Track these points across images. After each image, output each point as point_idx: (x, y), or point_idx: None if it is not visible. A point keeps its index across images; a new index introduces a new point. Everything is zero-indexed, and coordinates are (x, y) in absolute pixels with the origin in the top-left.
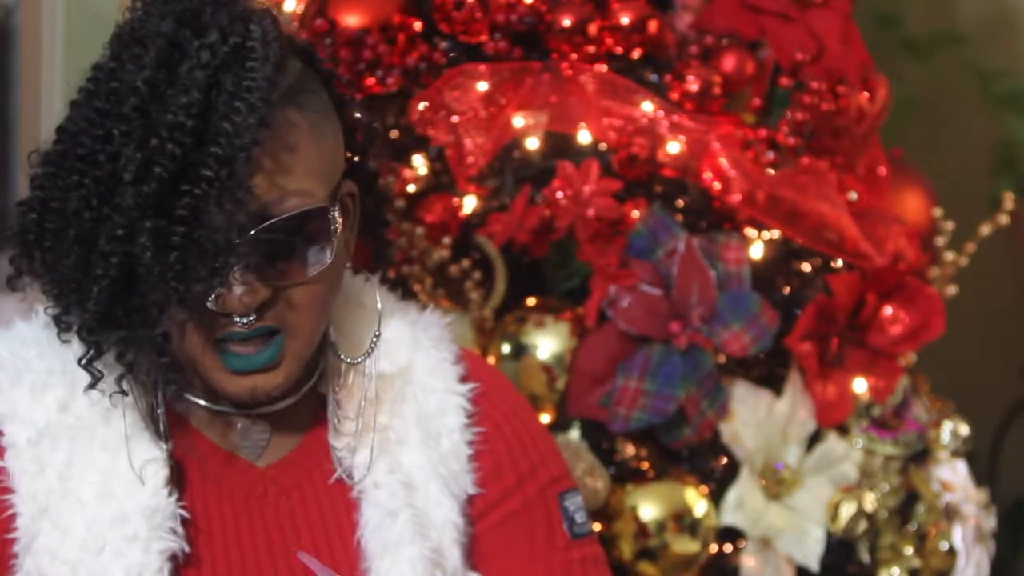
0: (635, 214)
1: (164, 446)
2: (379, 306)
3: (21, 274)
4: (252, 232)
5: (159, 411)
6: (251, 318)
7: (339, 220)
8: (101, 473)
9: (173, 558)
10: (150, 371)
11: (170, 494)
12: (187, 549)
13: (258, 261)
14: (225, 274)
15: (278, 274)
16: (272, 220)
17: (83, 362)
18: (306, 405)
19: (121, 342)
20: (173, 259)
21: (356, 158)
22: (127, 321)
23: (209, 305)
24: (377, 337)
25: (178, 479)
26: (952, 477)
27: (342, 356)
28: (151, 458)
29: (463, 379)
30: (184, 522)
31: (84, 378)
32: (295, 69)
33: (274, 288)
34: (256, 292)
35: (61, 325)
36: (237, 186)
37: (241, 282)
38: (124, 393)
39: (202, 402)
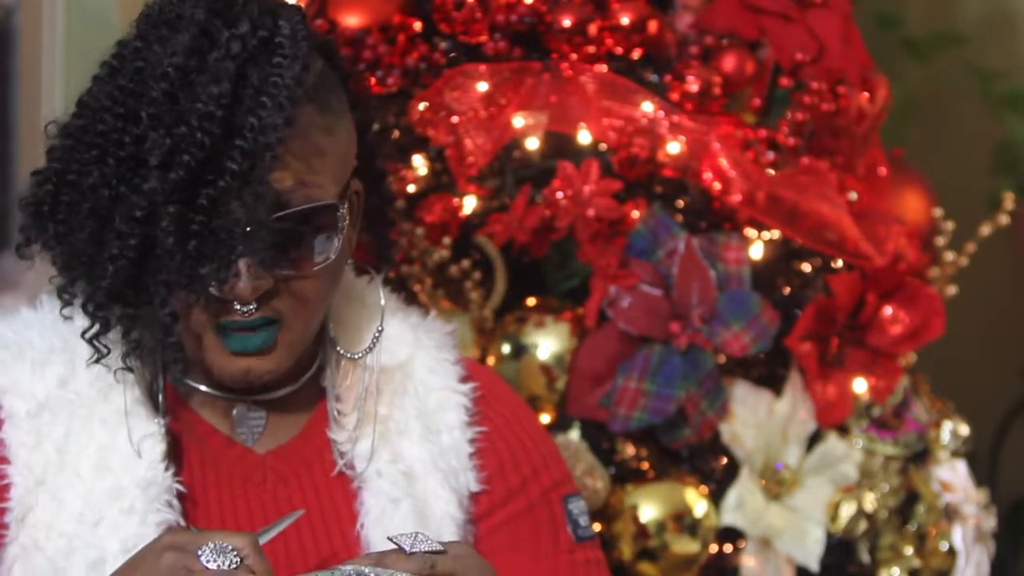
0: (635, 214)
1: (162, 421)
2: (382, 302)
3: (31, 243)
4: (264, 223)
5: (159, 388)
6: (251, 307)
7: (347, 217)
8: (99, 448)
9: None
10: (154, 349)
11: (167, 468)
12: (183, 522)
13: (266, 252)
14: (236, 263)
15: (282, 266)
16: (283, 212)
17: (88, 336)
18: (306, 395)
19: (128, 319)
20: (191, 246)
21: (365, 157)
22: (135, 299)
23: (212, 291)
24: (380, 331)
25: (176, 456)
26: (952, 477)
27: (341, 351)
28: (149, 433)
29: (463, 379)
30: (182, 497)
31: (84, 356)
32: (318, 67)
33: (277, 279)
34: (260, 282)
35: (64, 298)
36: (258, 181)
37: (247, 271)
38: (129, 369)
39: (203, 387)
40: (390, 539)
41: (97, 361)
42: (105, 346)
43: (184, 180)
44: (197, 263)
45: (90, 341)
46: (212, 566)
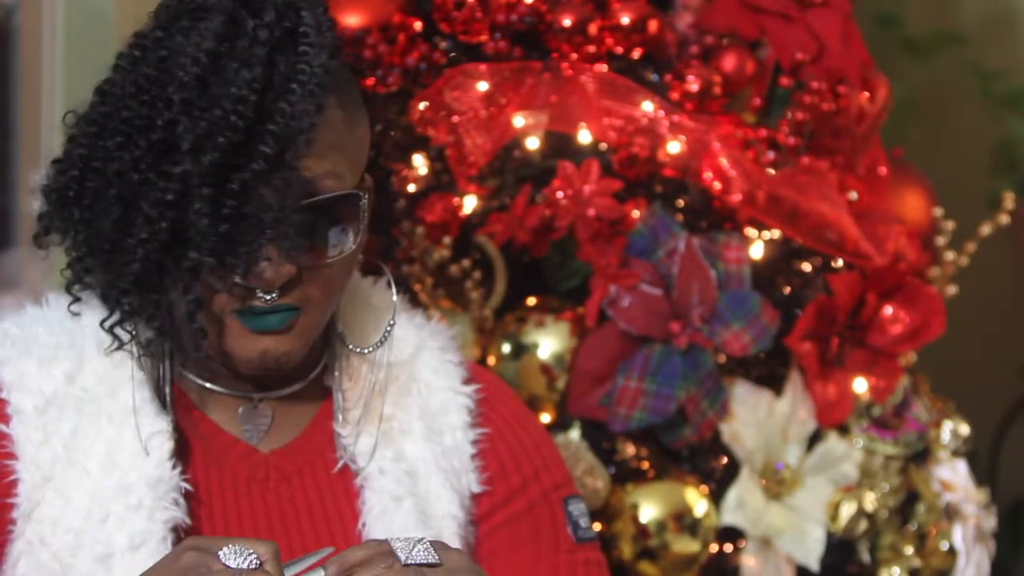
0: (635, 214)
1: (169, 419)
2: (395, 298)
3: (49, 232)
4: (292, 209)
5: (166, 381)
6: (274, 295)
7: (365, 209)
8: (106, 445)
9: (175, 530)
10: (175, 337)
11: (174, 467)
12: (189, 521)
13: (293, 239)
14: (264, 249)
15: (305, 254)
16: (311, 199)
17: (108, 325)
18: (310, 395)
19: (153, 305)
20: (223, 230)
21: (373, 154)
22: (159, 285)
23: (236, 278)
24: (392, 325)
25: (181, 454)
26: (952, 477)
27: (351, 346)
28: (157, 431)
29: (466, 381)
30: (187, 496)
31: (91, 353)
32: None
33: (299, 267)
34: (284, 270)
35: (77, 288)
36: (288, 166)
37: (272, 259)
38: (151, 355)
39: (208, 384)
40: (388, 540)
41: (118, 349)
42: (130, 332)
43: (218, 163)
44: (227, 248)
45: (110, 330)
46: (232, 565)
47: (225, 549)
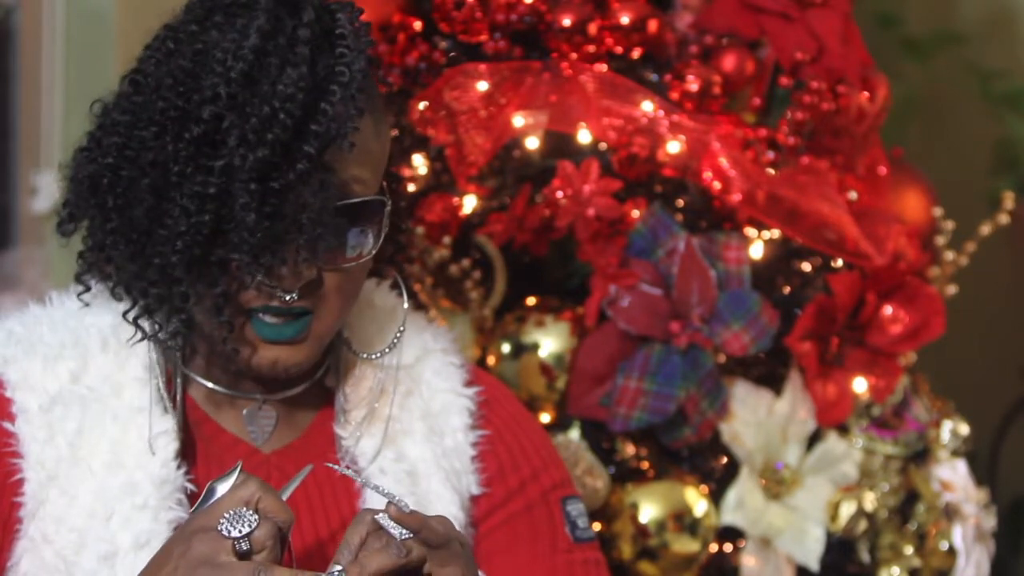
0: (635, 214)
1: (175, 420)
2: (406, 304)
3: (74, 219)
4: (327, 212)
5: (175, 380)
6: (293, 295)
7: (388, 214)
8: (111, 443)
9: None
10: (187, 333)
11: (179, 467)
12: None
13: (326, 241)
14: (296, 249)
15: (326, 257)
16: (345, 202)
17: (131, 317)
18: (312, 396)
19: (181, 298)
20: (265, 227)
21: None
22: (185, 278)
23: (259, 276)
24: (401, 332)
25: (184, 454)
26: (952, 477)
27: (356, 351)
28: (163, 431)
29: (468, 383)
30: (190, 496)
31: (96, 351)
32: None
33: (320, 270)
34: (308, 271)
35: (87, 277)
36: (326, 168)
37: (305, 258)
38: (177, 349)
39: (211, 385)
40: (389, 500)
41: (140, 340)
42: (142, 328)
43: (266, 160)
44: (264, 245)
45: (134, 321)
46: (235, 533)
47: (223, 523)
